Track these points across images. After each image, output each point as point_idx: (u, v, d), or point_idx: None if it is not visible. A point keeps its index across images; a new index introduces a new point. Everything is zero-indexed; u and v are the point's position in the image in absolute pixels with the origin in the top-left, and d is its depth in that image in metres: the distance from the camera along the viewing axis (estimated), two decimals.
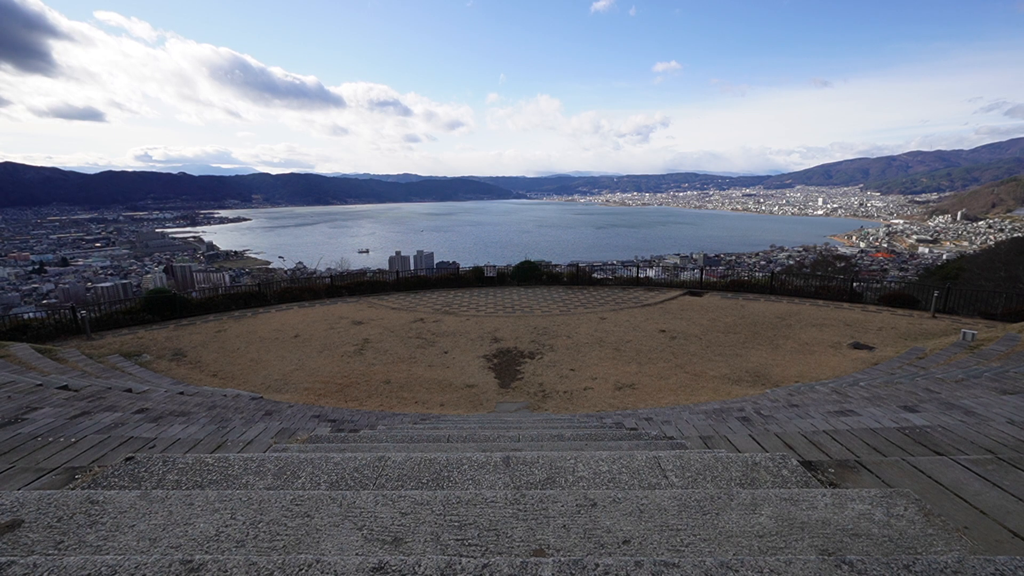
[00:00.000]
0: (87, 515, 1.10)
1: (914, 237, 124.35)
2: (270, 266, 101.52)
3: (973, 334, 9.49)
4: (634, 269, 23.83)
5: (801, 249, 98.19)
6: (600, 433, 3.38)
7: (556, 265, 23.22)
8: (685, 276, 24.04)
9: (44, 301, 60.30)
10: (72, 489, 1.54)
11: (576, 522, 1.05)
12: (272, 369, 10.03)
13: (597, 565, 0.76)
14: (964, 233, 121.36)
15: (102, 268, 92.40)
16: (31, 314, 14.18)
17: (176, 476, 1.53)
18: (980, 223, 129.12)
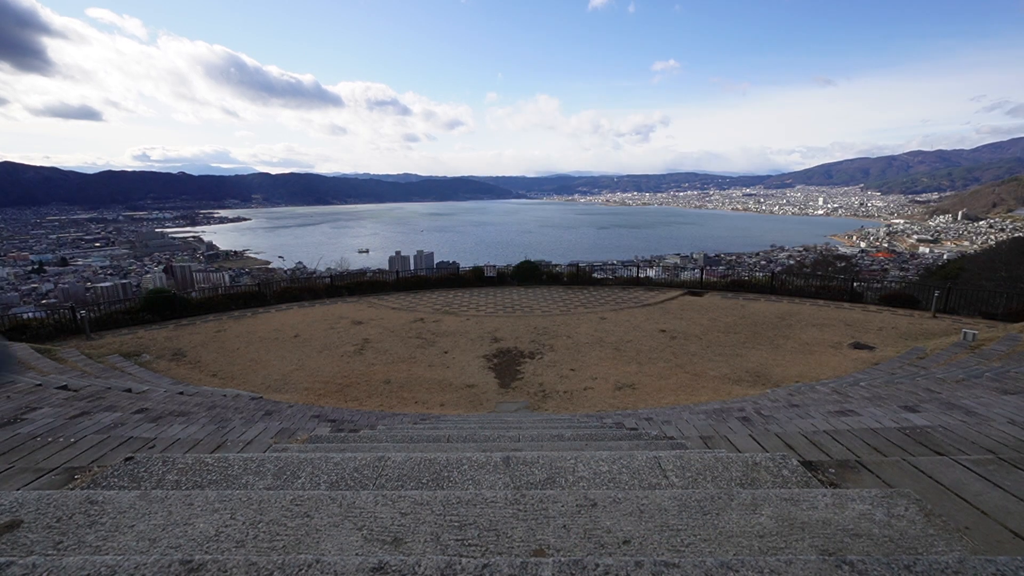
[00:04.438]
0: (86, 515, 1.10)
1: (915, 237, 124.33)
2: (270, 266, 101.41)
3: (974, 334, 9.48)
4: (634, 269, 23.82)
5: (801, 249, 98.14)
6: (600, 433, 3.38)
7: (556, 265, 23.20)
8: (685, 276, 24.05)
9: (43, 301, 60.28)
10: (72, 489, 1.53)
11: (576, 522, 1.05)
12: (272, 369, 10.03)
13: (597, 565, 0.76)
14: (965, 233, 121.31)
15: (102, 268, 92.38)
16: (30, 314, 14.19)
17: (176, 476, 1.53)
18: (981, 223, 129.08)
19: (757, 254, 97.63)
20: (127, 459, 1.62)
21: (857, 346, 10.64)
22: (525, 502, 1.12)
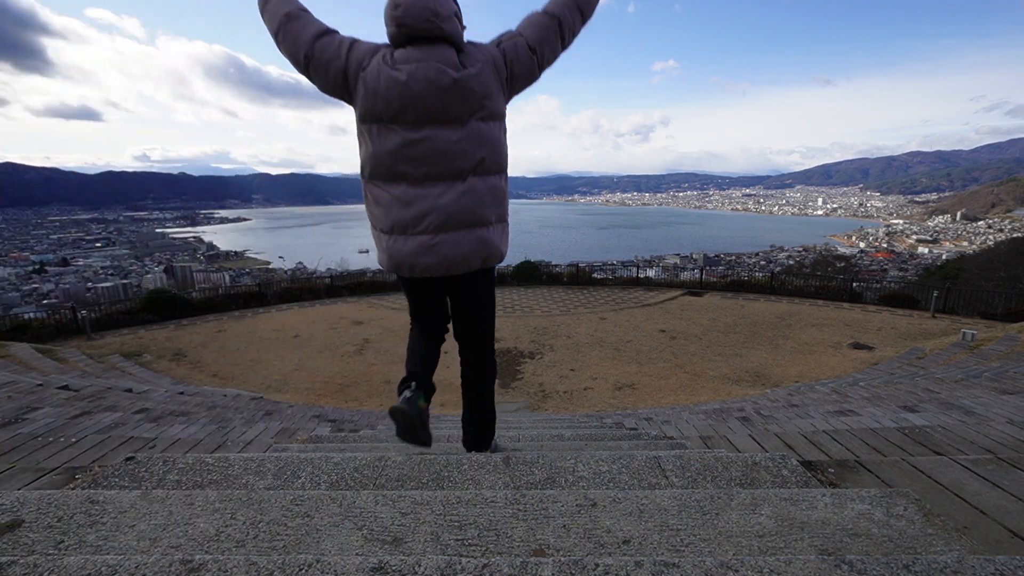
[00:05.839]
0: (87, 515, 1.10)
1: (914, 237, 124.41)
2: (270, 266, 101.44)
3: (973, 334, 9.49)
4: (634, 269, 23.81)
5: (801, 249, 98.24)
6: (600, 433, 3.38)
7: (556, 265, 23.17)
8: (685, 276, 24.01)
9: (44, 301, 60.25)
10: (72, 489, 1.54)
11: (576, 522, 1.05)
12: (272, 369, 10.03)
13: (597, 565, 0.76)
14: (964, 233, 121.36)
15: (102, 268, 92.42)
16: (31, 314, 14.19)
17: (176, 476, 1.53)
18: (980, 223, 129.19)
19: (757, 254, 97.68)
20: (128, 459, 1.63)
21: (856, 346, 10.64)
22: (525, 502, 1.12)
